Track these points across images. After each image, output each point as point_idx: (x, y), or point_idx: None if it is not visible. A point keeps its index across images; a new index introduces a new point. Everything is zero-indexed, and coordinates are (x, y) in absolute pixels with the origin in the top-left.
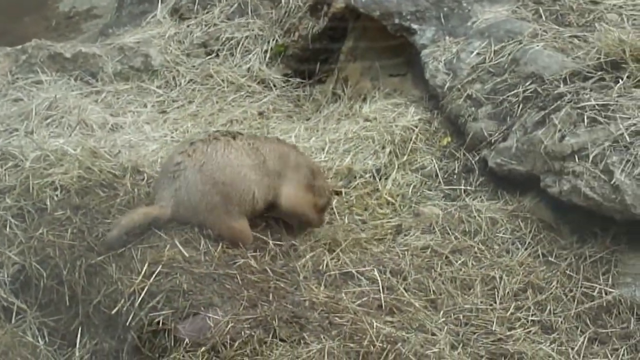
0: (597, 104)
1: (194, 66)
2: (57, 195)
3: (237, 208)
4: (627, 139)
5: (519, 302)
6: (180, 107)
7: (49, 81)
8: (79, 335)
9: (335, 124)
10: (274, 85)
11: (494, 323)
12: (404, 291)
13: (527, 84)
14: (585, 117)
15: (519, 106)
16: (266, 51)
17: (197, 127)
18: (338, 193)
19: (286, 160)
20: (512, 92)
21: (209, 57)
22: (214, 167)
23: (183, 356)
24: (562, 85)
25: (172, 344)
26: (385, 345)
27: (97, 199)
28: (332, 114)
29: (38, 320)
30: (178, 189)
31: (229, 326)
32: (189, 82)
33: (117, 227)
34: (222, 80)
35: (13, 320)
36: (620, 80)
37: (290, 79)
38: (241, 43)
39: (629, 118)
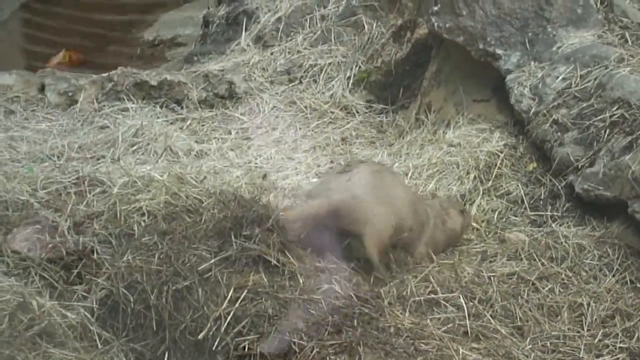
0: None
1: (277, 93)
2: (144, 221)
3: (382, 231)
4: None
5: (607, 329)
6: (264, 133)
7: (134, 108)
8: None
9: (419, 150)
10: (357, 112)
11: (582, 350)
12: (490, 318)
13: (614, 109)
14: None
15: (605, 131)
16: (349, 78)
17: (280, 154)
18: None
19: (428, 214)
20: (599, 117)
21: (292, 84)
22: (377, 185)
23: None
24: None
25: None
26: None
27: (184, 224)
28: (415, 140)
29: (125, 345)
30: (349, 180)
31: (314, 352)
32: (272, 109)
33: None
34: (306, 107)
35: (100, 346)
36: None
37: (373, 105)
38: (324, 70)
39: None
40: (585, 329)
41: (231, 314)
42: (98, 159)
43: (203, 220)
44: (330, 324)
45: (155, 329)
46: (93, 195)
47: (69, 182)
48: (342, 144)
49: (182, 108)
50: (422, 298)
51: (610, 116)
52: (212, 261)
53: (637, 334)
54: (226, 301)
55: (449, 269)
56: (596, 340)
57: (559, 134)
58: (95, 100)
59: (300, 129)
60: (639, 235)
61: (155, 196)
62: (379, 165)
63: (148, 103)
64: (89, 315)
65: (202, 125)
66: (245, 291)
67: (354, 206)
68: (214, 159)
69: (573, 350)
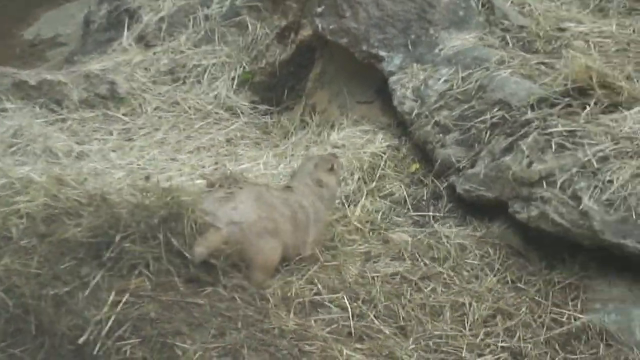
0: (565, 130)
1: (160, 93)
2: (22, 224)
3: (279, 246)
4: (595, 164)
5: (489, 329)
6: (147, 134)
7: (13, 109)
8: None
9: (304, 151)
10: (242, 113)
11: (464, 349)
12: (374, 318)
13: (495, 110)
14: (553, 144)
15: (486, 133)
16: (233, 78)
17: (163, 155)
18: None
19: (308, 214)
20: (480, 119)
21: (176, 84)
22: (264, 202)
23: None
24: (529, 112)
25: None
26: None
27: (64, 227)
28: (300, 141)
29: (4, 351)
30: (235, 208)
31: (197, 355)
32: (155, 109)
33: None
34: (189, 108)
35: None
36: (587, 107)
37: (257, 106)
38: (208, 70)
39: (596, 144)
40: (467, 328)
41: (112, 318)
42: None
43: (83, 223)
44: (214, 327)
45: (34, 333)
46: None
47: None
48: (227, 145)
49: (62, 108)
50: (306, 299)
51: (491, 117)
52: (93, 265)
53: (518, 334)
54: (107, 305)
55: (333, 269)
56: (478, 340)
57: (441, 135)
58: None
59: (184, 129)
60: (520, 235)
61: (34, 198)
62: (256, 184)
63: (27, 103)
64: None
65: (83, 126)
66: (127, 295)
67: (242, 238)
68: (95, 160)
69: (455, 350)
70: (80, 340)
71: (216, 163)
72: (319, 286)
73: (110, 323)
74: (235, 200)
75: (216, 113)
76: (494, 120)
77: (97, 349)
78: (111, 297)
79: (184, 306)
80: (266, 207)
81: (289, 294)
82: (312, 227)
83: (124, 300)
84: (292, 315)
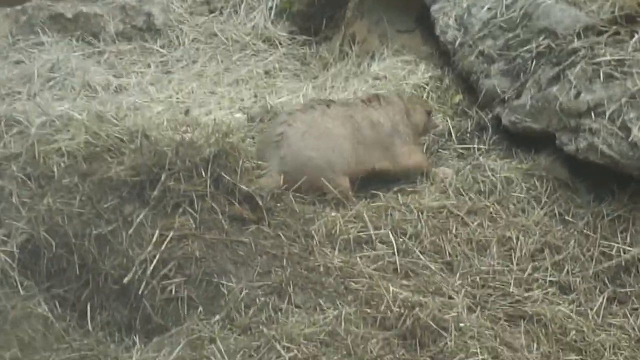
0: (613, 59)
1: (197, 25)
2: (64, 162)
3: (340, 169)
4: None
5: (536, 263)
6: (185, 67)
7: (50, 42)
8: (89, 305)
9: (344, 83)
10: (280, 43)
11: (511, 284)
12: (419, 254)
13: (540, 39)
14: (601, 73)
15: (532, 62)
16: (271, 8)
17: (202, 88)
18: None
19: (380, 129)
20: (525, 48)
21: (213, 15)
22: (314, 135)
23: (197, 324)
24: (576, 41)
25: (186, 312)
26: (402, 310)
27: (106, 165)
28: (340, 72)
29: (48, 291)
30: (283, 157)
31: (243, 293)
32: (192, 41)
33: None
34: (227, 39)
35: (22, 292)
36: (635, 35)
37: (296, 36)
38: (245, 0)
39: None
40: (515, 263)
41: (157, 257)
42: (14, 97)
43: (125, 161)
44: (259, 265)
45: (78, 273)
46: (10, 136)
47: None
48: (266, 77)
49: (99, 41)
50: (351, 236)
51: (537, 47)
52: (136, 203)
53: (566, 267)
54: (151, 244)
55: (377, 205)
56: (526, 275)
57: (485, 65)
58: (9, 34)
59: (222, 61)
60: (567, 167)
61: (74, 136)
62: (306, 110)
63: (64, 36)
64: (9, 261)
65: (120, 59)
66: (171, 233)
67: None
68: (133, 93)
69: (503, 285)
70: (125, 280)
71: (255, 96)
72: (364, 222)
73: (154, 262)
74: (283, 146)
75: (254, 44)
76: (540, 49)
77: (141, 288)
78: (155, 236)
79: (228, 244)
80: (316, 138)
81: (333, 231)
82: (396, 139)
83: (168, 238)
84: (337, 252)
